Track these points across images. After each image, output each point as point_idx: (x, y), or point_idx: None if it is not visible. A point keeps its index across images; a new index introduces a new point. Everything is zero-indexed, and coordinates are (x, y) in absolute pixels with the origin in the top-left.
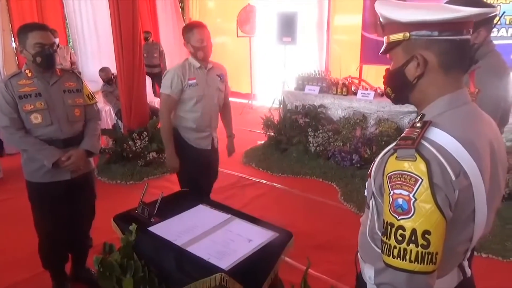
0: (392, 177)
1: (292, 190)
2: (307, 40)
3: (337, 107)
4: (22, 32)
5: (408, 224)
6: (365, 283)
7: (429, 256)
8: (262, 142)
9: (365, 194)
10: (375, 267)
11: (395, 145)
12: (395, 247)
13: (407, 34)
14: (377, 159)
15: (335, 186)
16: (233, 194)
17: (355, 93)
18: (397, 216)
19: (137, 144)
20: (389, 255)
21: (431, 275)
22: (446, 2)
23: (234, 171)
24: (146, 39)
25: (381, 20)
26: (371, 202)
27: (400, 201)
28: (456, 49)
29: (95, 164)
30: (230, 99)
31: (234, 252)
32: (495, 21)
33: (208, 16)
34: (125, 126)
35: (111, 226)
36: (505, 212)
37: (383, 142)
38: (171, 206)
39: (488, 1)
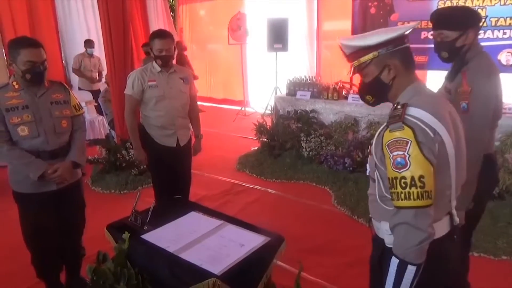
0: (390, 144)
1: (286, 195)
2: (298, 46)
3: (329, 112)
4: (14, 47)
5: (407, 173)
6: (382, 240)
7: (426, 194)
8: (256, 148)
9: (368, 171)
10: (389, 220)
11: (387, 123)
12: (401, 192)
13: (376, 53)
14: (374, 139)
15: (328, 190)
16: (227, 201)
17: (346, 98)
18: (398, 170)
19: (130, 154)
20: (398, 200)
21: (430, 207)
22: (436, 17)
23: (227, 177)
24: (147, 53)
25: (346, 52)
26: (376, 174)
27: (399, 159)
28: (407, 53)
29: (89, 175)
30: (223, 106)
31: (227, 257)
32: (481, 24)
33: (199, 24)
34: (118, 135)
35: (105, 235)
36: (496, 210)
37: None
38: (164, 213)
39: (474, 4)
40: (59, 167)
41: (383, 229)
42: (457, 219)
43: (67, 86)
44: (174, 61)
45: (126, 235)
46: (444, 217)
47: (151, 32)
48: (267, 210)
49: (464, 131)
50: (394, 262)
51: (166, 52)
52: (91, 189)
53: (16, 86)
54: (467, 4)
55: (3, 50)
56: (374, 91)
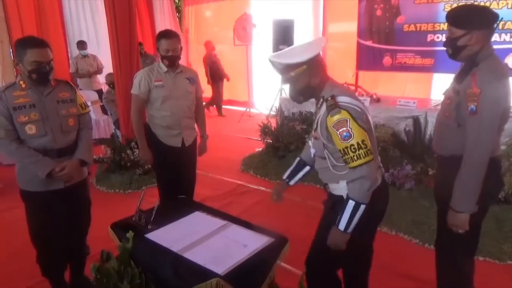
0: (334, 125)
1: (290, 196)
2: None
3: None
4: (21, 46)
5: (353, 141)
6: (336, 196)
7: (369, 151)
8: (260, 149)
9: (313, 153)
10: (345, 178)
11: (326, 111)
12: (353, 155)
13: (305, 67)
14: (318, 126)
15: None
16: (231, 202)
17: None
18: (347, 141)
19: (135, 153)
20: (352, 162)
21: (373, 160)
22: (449, 12)
23: (232, 178)
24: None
25: (277, 67)
26: (325, 152)
27: (345, 133)
28: (323, 61)
29: (94, 174)
30: (228, 107)
31: (230, 257)
32: (494, 26)
33: (205, 25)
34: (123, 135)
35: (109, 234)
36: (501, 215)
37: (379, 148)
38: (168, 213)
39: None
40: (66, 165)
41: (341, 186)
42: (383, 170)
43: (73, 85)
44: (203, 60)
45: (130, 234)
46: (378, 170)
47: (157, 32)
48: (271, 211)
49: (472, 133)
50: (351, 203)
51: (173, 52)
52: (95, 188)
53: (23, 85)
54: None
55: (11, 50)
56: (305, 94)
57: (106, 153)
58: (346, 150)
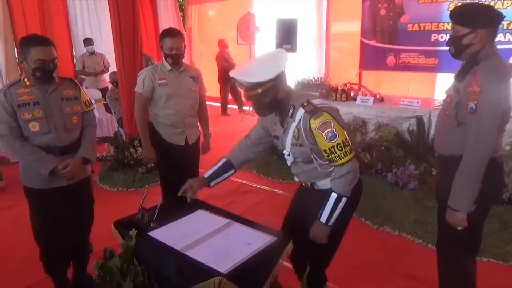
0: (319, 127)
1: (291, 196)
2: (307, 47)
3: None
4: (25, 45)
5: (339, 140)
6: (323, 190)
7: (352, 148)
8: None
9: (292, 160)
10: (332, 175)
11: (308, 116)
12: (340, 153)
13: (272, 83)
14: (301, 133)
15: None
16: (233, 201)
17: (354, 99)
18: (333, 141)
19: (138, 152)
20: (339, 159)
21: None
22: (453, 10)
23: (234, 177)
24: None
25: (244, 85)
26: (312, 155)
27: (330, 134)
28: (285, 75)
29: (97, 172)
30: (231, 106)
31: (233, 256)
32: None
33: (208, 25)
34: (126, 133)
35: (112, 232)
36: (506, 215)
37: (383, 147)
38: (171, 211)
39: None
40: (69, 162)
41: (327, 181)
42: None
43: (77, 83)
44: (216, 59)
45: (133, 232)
46: None
47: (161, 31)
48: (273, 210)
49: (471, 133)
50: (333, 196)
51: (177, 50)
52: (99, 186)
53: (28, 83)
54: None
55: (15, 48)
56: (272, 107)
57: (110, 152)
58: (332, 149)
